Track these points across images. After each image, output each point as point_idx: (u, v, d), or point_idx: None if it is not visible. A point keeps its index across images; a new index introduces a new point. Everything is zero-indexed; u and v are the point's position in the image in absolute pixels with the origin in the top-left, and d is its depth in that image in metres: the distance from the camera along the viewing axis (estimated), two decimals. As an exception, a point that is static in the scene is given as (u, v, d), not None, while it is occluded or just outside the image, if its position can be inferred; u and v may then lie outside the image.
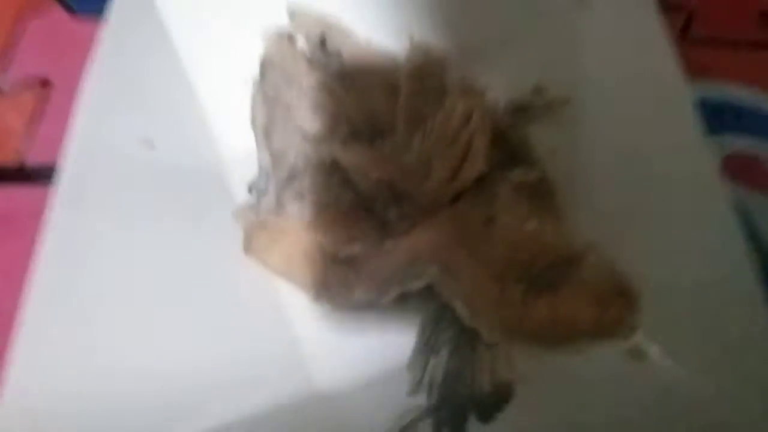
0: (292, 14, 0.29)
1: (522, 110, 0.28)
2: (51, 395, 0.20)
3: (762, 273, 0.27)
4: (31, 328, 0.20)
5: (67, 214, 0.22)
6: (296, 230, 0.24)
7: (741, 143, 0.31)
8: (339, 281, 0.23)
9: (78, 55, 0.32)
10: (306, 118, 0.27)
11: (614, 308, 0.23)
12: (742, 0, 0.37)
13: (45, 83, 0.31)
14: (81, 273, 0.22)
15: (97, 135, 0.24)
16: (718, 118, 0.32)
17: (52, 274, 0.21)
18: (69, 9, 0.34)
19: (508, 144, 0.26)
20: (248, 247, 0.25)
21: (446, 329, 0.23)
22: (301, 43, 0.29)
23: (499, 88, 0.28)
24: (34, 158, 0.29)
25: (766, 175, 0.30)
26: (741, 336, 0.22)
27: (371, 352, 0.23)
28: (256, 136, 0.27)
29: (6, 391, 0.19)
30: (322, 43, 0.28)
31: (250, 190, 0.27)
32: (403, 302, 0.23)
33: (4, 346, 0.20)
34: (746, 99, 0.33)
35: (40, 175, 0.28)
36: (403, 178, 0.25)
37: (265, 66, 0.28)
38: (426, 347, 0.23)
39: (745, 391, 0.21)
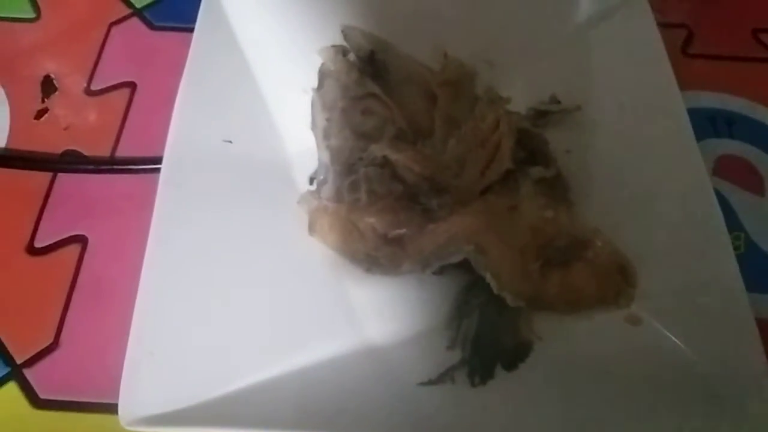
0: (346, 33, 0.33)
1: (541, 116, 0.32)
2: (162, 340, 0.24)
3: (744, 258, 0.31)
4: (148, 287, 0.25)
5: (170, 196, 0.27)
6: (353, 215, 0.28)
7: (732, 147, 0.35)
8: (388, 257, 0.28)
9: (157, 62, 0.37)
10: (358, 120, 0.31)
11: (615, 283, 0.27)
12: (737, 19, 0.40)
13: (130, 86, 0.36)
14: (184, 243, 0.26)
15: (188, 134, 0.29)
16: (713, 124, 0.36)
17: (163, 242, 0.26)
18: (147, 23, 0.38)
19: (529, 145, 0.30)
20: (312, 228, 0.29)
21: (477, 296, 0.27)
22: (353, 57, 0.33)
23: (522, 97, 0.33)
24: (123, 151, 0.34)
25: (753, 176, 0.34)
26: (719, 310, 0.26)
27: (415, 314, 0.27)
28: (315, 136, 0.32)
29: (131, 340, 0.24)
30: (371, 57, 0.33)
31: (311, 181, 0.31)
32: (441, 274, 0.28)
33: (125, 296, 0.25)
34: (739, 108, 0.37)
35: (130, 165, 0.33)
36: (441, 173, 0.29)
37: (323, 77, 0.33)
38: (461, 310, 0.27)
39: (717, 353, 0.25)
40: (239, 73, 0.32)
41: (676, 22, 0.40)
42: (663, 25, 0.34)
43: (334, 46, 0.33)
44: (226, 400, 0.24)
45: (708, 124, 0.36)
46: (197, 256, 0.26)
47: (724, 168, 0.34)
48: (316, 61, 0.33)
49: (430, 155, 0.29)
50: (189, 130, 0.29)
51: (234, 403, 0.24)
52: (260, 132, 0.31)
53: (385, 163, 0.29)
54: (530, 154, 0.30)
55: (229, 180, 0.29)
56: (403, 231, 0.28)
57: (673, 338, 0.26)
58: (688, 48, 0.39)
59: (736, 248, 0.31)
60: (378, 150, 0.29)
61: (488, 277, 0.26)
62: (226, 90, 0.31)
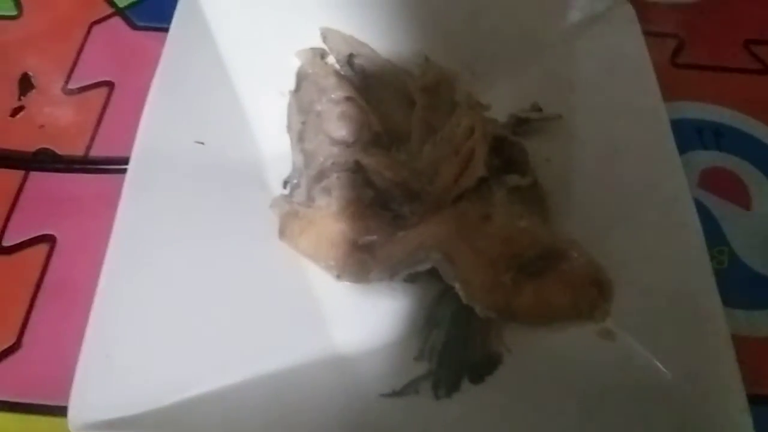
0: (325, 35, 0.33)
1: (521, 124, 0.32)
2: (119, 343, 0.24)
3: (727, 273, 0.30)
4: (107, 289, 0.24)
5: (135, 198, 0.26)
6: (323, 220, 0.28)
7: (719, 159, 0.34)
8: (358, 263, 0.27)
9: (137, 62, 0.36)
10: (334, 125, 0.30)
11: (590, 296, 0.27)
12: (729, 29, 0.40)
13: (108, 85, 0.35)
14: (148, 245, 0.26)
15: (159, 135, 0.28)
16: (700, 136, 0.35)
17: (125, 243, 0.25)
18: (130, 22, 0.38)
19: (506, 152, 0.29)
20: (282, 233, 0.28)
21: (447, 306, 0.27)
22: (332, 59, 0.33)
23: (503, 104, 0.32)
24: (97, 150, 0.33)
25: (739, 189, 0.33)
26: (695, 327, 0.25)
27: (384, 322, 0.27)
28: (291, 139, 0.31)
29: (85, 342, 0.23)
30: (350, 60, 0.32)
31: (284, 184, 0.30)
32: (412, 282, 0.27)
33: (90, 299, 0.24)
34: (727, 119, 0.36)
35: (103, 165, 0.33)
36: (414, 180, 0.28)
37: (300, 79, 0.32)
38: (431, 320, 0.27)
39: (693, 371, 0.24)
40: (215, 74, 0.31)
41: (667, 32, 0.39)
42: (653, 35, 0.34)
43: (312, 48, 0.33)
44: (182, 407, 0.23)
45: (695, 135, 0.35)
46: (160, 258, 0.26)
47: (710, 180, 0.34)
48: (294, 63, 0.32)
49: (403, 161, 0.29)
50: (159, 131, 0.28)
51: (191, 410, 0.23)
52: (235, 134, 0.31)
53: (357, 168, 0.28)
54: (507, 162, 0.29)
55: (200, 182, 0.28)
56: (373, 238, 0.27)
57: (647, 354, 0.25)
58: (678, 58, 0.38)
59: (719, 263, 0.31)
60: (350, 155, 0.28)
61: (457, 287, 0.25)
62: (200, 90, 0.30)
